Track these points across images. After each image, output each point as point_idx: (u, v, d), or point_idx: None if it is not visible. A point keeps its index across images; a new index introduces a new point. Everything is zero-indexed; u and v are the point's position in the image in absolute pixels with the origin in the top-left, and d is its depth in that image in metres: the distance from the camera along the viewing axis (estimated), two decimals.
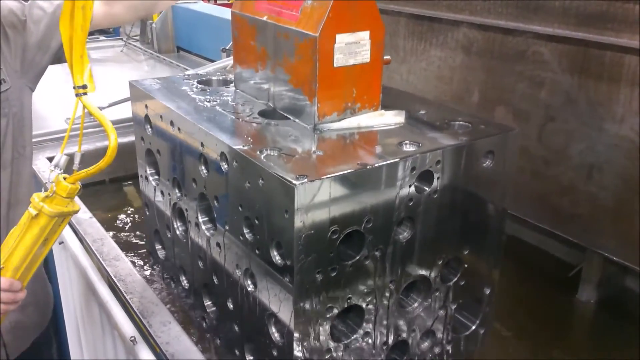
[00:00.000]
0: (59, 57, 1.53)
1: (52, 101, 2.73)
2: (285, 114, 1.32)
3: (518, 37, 1.71)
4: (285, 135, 1.20)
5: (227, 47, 3.11)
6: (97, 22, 1.58)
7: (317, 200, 1.00)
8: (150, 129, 1.48)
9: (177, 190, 1.41)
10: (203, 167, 1.26)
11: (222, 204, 1.22)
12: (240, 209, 1.13)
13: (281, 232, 1.03)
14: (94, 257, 1.60)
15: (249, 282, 1.17)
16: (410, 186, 1.11)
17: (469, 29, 1.85)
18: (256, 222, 1.10)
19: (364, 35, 1.23)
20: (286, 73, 1.30)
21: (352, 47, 1.23)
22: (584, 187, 1.60)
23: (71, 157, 1.15)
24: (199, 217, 1.32)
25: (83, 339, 1.95)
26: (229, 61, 2.68)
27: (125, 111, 2.46)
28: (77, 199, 1.90)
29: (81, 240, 1.71)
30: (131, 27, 4.18)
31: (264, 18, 1.34)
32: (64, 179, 1.12)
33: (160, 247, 1.59)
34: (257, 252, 1.11)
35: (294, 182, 0.97)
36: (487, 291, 1.33)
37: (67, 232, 1.81)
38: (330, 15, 1.17)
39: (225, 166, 1.17)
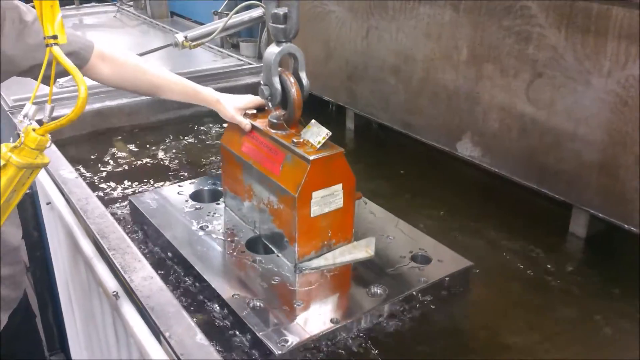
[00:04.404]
0: (34, 73, 1.51)
1: None
2: (270, 245, 1.49)
3: None
4: (269, 277, 1.37)
5: (218, 10, 3.07)
6: (84, 73, 1.57)
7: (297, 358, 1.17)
8: (150, 244, 1.60)
9: None
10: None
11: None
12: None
13: None
14: (79, 215, 1.60)
15: None
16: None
17: None
18: None
19: (337, 187, 1.38)
20: (270, 214, 1.46)
21: (327, 199, 1.38)
22: (571, 143, 1.59)
23: (42, 109, 1.14)
24: None
25: (73, 296, 1.97)
26: (218, 24, 2.65)
27: None
28: (64, 160, 1.91)
29: (67, 200, 1.71)
30: None
31: (250, 162, 1.48)
32: (34, 130, 1.11)
33: None
34: None
35: (276, 350, 1.13)
36: None
37: (54, 192, 1.81)
38: (307, 179, 1.32)
39: (218, 308, 1.30)
